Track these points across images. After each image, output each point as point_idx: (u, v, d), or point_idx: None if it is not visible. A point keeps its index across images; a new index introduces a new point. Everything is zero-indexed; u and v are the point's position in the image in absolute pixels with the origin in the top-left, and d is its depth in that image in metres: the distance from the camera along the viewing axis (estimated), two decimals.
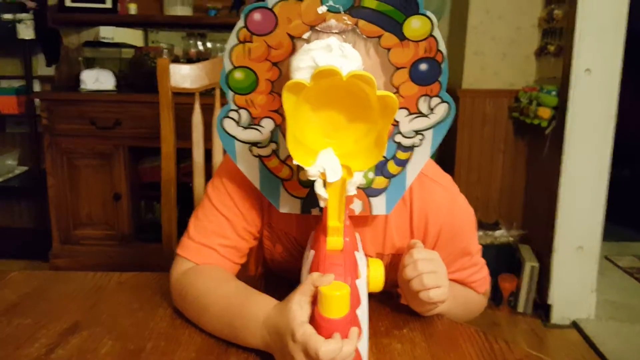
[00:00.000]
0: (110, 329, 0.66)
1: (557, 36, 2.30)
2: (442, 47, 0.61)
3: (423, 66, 0.62)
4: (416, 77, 0.62)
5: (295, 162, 0.55)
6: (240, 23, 0.59)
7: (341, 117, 0.55)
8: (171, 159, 1.41)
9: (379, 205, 0.67)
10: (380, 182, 0.66)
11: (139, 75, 2.58)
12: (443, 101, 0.65)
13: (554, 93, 2.22)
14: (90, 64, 2.68)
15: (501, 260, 2.46)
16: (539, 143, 2.39)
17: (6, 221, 3.02)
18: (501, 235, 2.46)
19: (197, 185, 1.41)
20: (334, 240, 0.57)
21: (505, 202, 2.60)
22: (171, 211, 1.45)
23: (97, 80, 2.55)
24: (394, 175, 0.66)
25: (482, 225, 2.52)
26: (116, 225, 2.65)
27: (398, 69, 0.62)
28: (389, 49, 0.61)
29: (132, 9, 2.66)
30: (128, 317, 0.68)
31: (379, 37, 0.60)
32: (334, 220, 0.56)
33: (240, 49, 0.61)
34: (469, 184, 2.57)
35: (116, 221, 2.65)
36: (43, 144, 2.55)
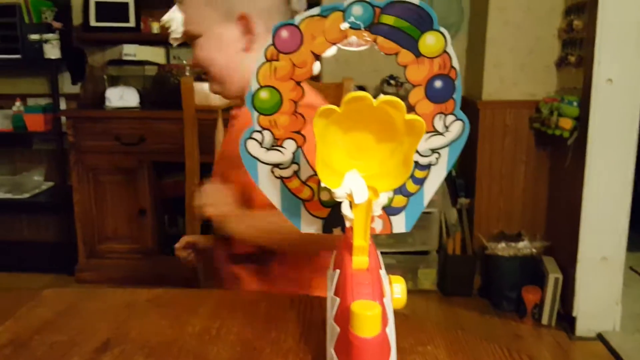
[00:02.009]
0: (141, 345, 0.68)
1: (577, 46, 2.29)
2: (456, 63, 0.62)
3: (438, 83, 0.63)
4: (431, 94, 0.63)
5: (322, 184, 0.56)
6: (269, 41, 0.61)
7: (367, 139, 0.56)
8: (195, 174, 1.45)
9: (398, 223, 0.68)
10: (399, 200, 0.67)
11: (162, 92, 2.64)
12: (458, 119, 0.65)
13: (575, 103, 2.21)
14: (114, 81, 2.75)
15: (525, 272, 2.44)
16: (561, 154, 2.38)
17: (33, 236, 3.09)
18: (524, 246, 2.44)
19: None
20: (359, 260, 0.58)
21: (528, 214, 2.59)
22: (195, 225, 1.48)
23: (122, 97, 2.62)
24: (412, 194, 0.67)
25: (504, 237, 2.51)
26: (141, 239, 2.70)
27: (414, 86, 0.63)
28: (405, 66, 0.62)
29: (155, 27, 2.73)
30: (158, 335, 0.70)
31: (396, 54, 0.62)
32: (360, 240, 0.58)
33: (267, 68, 0.62)
34: (491, 195, 2.57)
35: (141, 235, 2.69)
36: (69, 160, 2.61)
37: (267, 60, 0.62)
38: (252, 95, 0.64)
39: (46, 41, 2.65)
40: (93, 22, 2.74)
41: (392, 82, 2.66)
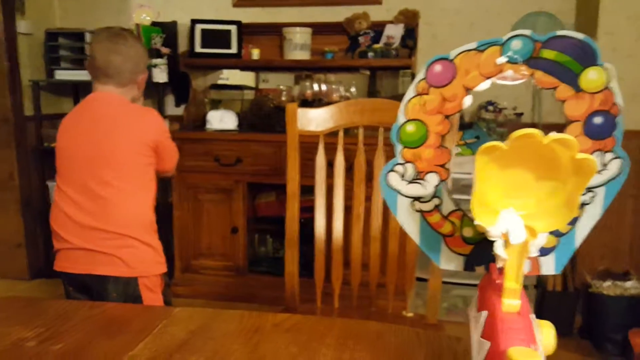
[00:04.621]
0: None
1: None
2: (619, 99, 0.60)
3: (597, 119, 0.60)
4: (590, 131, 0.61)
5: (476, 222, 0.55)
6: (421, 75, 0.61)
7: (525, 176, 0.55)
8: (296, 199, 1.46)
9: (548, 264, 0.65)
10: (549, 240, 0.65)
11: (258, 115, 2.72)
12: (617, 157, 0.62)
13: None
14: (215, 105, 2.86)
15: (632, 314, 2.28)
16: None
17: None
18: (632, 286, 2.28)
19: (318, 223, 1.45)
20: (511, 303, 0.56)
21: (636, 251, 2.42)
22: (294, 249, 1.50)
23: (222, 120, 2.72)
24: (563, 234, 0.64)
25: (610, 275, 2.36)
26: (232, 257, 2.77)
27: (572, 122, 0.61)
28: (563, 101, 0.60)
29: (255, 54, 2.83)
30: None
31: (555, 88, 0.60)
32: (512, 282, 0.56)
33: (416, 102, 0.63)
34: (595, 229, 2.42)
35: (232, 253, 2.76)
36: (171, 179, 2.73)
37: (417, 94, 0.62)
38: (397, 128, 0.64)
39: (155, 65, 2.81)
40: (198, 49, 2.88)
41: (490, 107, 2.59)
